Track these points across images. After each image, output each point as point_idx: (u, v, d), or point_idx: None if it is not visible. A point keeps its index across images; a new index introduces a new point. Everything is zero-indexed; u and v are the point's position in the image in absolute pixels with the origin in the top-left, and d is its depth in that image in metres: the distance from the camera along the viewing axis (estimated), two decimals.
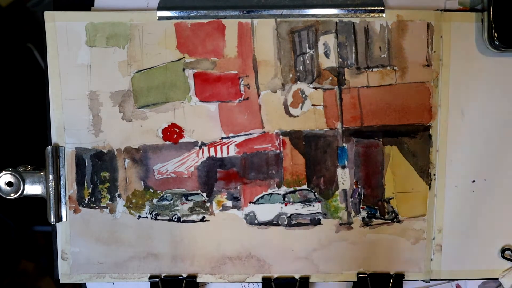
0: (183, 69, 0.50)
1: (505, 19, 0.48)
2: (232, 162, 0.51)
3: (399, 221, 0.51)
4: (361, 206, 0.51)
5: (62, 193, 0.51)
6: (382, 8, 0.49)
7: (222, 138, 0.51)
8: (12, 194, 0.51)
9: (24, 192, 0.51)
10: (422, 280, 0.52)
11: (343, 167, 0.51)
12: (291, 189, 0.51)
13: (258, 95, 0.50)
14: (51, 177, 0.50)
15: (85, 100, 0.50)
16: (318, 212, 0.51)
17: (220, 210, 0.51)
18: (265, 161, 0.51)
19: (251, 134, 0.51)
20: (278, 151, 0.51)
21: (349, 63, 0.50)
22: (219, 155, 0.51)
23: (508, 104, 0.50)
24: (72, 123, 0.50)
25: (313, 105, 0.50)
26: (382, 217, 0.51)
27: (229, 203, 0.51)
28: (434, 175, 0.51)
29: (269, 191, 0.51)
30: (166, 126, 0.50)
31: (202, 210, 0.51)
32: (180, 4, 0.49)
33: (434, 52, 0.49)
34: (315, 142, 0.50)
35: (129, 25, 0.49)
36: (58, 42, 0.49)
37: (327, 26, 0.49)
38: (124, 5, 0.50)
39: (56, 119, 0.50)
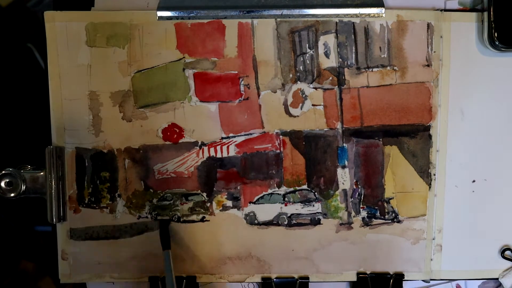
0: (183, 69, 0.50)
1: (505, 19, 0.48)
2: (232, 162, 0.51)
3: (399, 221, 0.51)
4: (361, 206, 0.51)
5: (62, 193, 0.51)
6: (382, 8, 0.49)
7: (222, 138, 0.51)
8: (12, 194, 0.51)
9: (24, 192, 0.51)
10: (422, 280, 0.52)
11: (343, 167, 0.51)
12: (291, 189, 0.51)
13: (258, 95, 0.50)
14: (51, 177, 0.50)
15: (85, 100, 0.50)
16: (318, 212, 0.51)
17: (220, 210, 0.51)
18: (265, 161, 0.51)
19: (251, 134, 0.51)
20: (278, 151, 0.51)
21: (349, 63, 0.50)
22: (219, 155, 0.51)
23: (508, 104, 0.50)
24: (72, 123, 0.50)
25: (313, 105, 0.50)
26: (382, 217, 0.51)
27: (229, 203, 0.51)
28: (434, 175, 0.51)
29: (269, 191, 0.51)
30: (166, 126, 0.50)
31: (202, 210, 0.51)
32: (180, 4, 0.49)
33: (434, 52, 0.49)
34: (315, 142, 0.50)
35: (129, 25, 0.49)
36: (58, 42, 0.49)
37: (327, 26, 0.49)
38: (124, 5, 0.50)
39: (56, 119, 0.50)
